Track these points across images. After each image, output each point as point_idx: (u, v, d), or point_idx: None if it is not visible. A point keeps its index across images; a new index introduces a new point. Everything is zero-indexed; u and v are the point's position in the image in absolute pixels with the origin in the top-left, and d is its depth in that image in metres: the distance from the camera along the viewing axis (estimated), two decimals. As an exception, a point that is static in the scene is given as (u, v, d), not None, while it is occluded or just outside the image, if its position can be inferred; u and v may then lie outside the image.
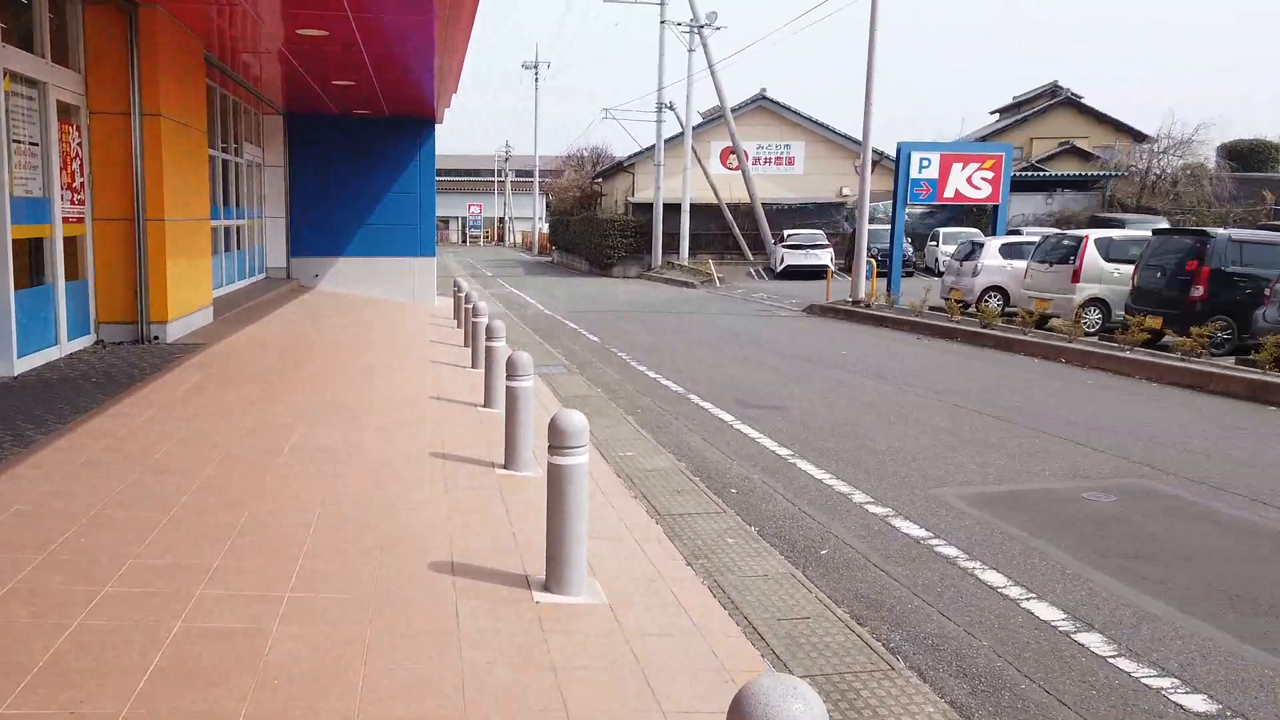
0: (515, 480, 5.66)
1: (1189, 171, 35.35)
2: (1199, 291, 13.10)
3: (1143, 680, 3.57)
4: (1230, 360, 11.48)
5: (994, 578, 4.64)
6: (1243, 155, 39.58)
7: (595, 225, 37.88)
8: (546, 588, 3.96)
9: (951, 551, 5.01)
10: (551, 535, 3.96)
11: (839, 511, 5.75)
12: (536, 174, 62.69)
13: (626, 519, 5.15)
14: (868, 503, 5.91)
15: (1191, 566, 4.82)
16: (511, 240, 76.09)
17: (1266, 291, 11.92)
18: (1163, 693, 3.48)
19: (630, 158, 38.92)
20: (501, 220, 79.85)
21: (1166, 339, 12.69)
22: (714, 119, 36.10)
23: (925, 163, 19.88)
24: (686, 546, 4.82)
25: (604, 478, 5.96)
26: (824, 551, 5.03)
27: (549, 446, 3.95)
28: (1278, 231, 18.38)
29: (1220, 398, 10.07)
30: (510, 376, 5.96)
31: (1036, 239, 18.13)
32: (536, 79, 62.15)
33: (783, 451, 7.28)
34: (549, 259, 51.68)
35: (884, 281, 20.51)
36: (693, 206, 34.44)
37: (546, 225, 59.77)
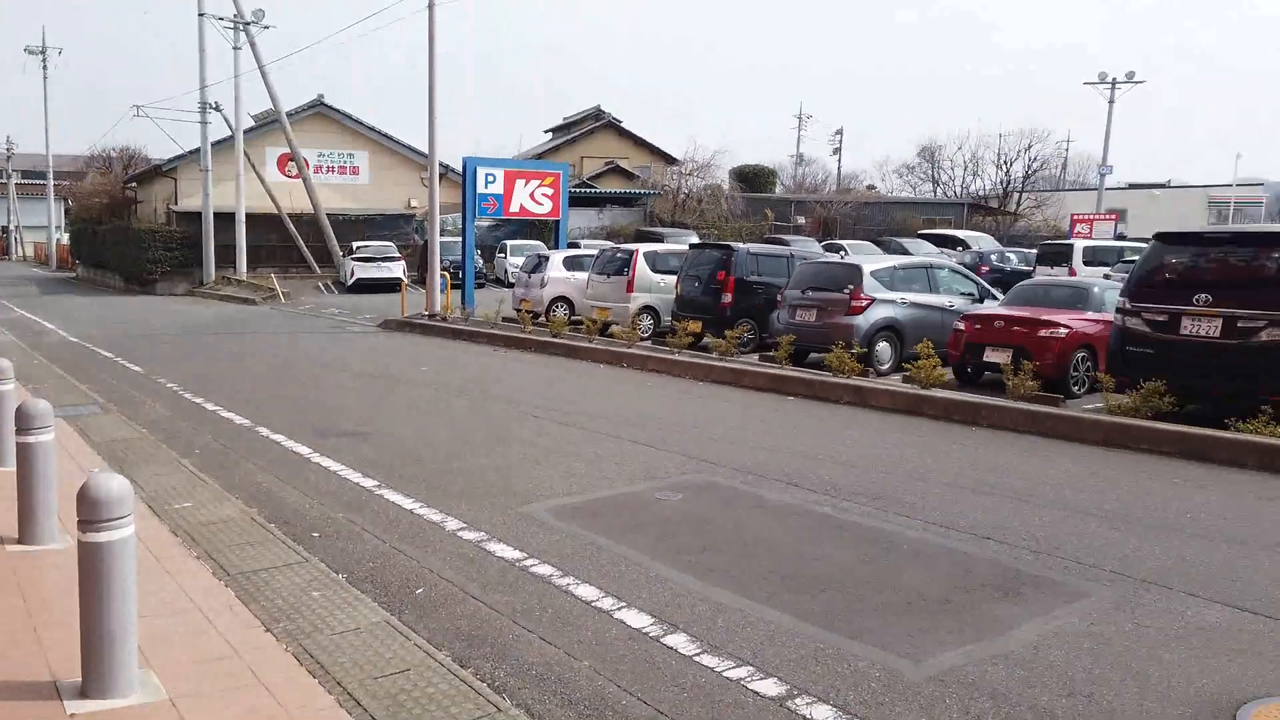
0: (35, 558, 4.66)
1: (710, 191, 40.75)
2: (728, 299, 15.03)
3: (724, 674, 3.87)
4: (755, 357, 13.26)
5: (587, 591, 4.77)
6: (749, 178, 46.78)
7: (131, 236, 33.28)
8: (84, 693, 3.27)
9: (546, 570, 5.07)
10: (88, 628, 3.28)
11: (432, 542, 5.55)
12: (51, 176, 53.48)
13: (188, 587, 4.47)
14: (461, 529, 5.79)
15: (750, 553, 5.39)
16: (20, 253, 64.34)
17: (779, 297, 13.98)
18: (741, 683, 3.80)
19: (171, 161, 34.74)
20: (5, 230, 67.11)
21: (706, 341, 14.29)
22: (269, 123, 33.61)
23: (490, 178, 20.36)
24: (265, 609, 4.29)
25: (156, 539, 5.13)
26: (419, 590, 4.81)
27: (79, 521, 3.27)
28: (782, 245, 21.89)
29: (752, 391, 11.58)
30: (22, 429, 4.90)
31: (595, 252, 19.50)
32: (45, 66, 53.03)
33: (368, 482, 6.89)
34: (73, 275, 44.52)
35: (459, 294, 20.66)
36: (250, 216, 31.77)
37: (67, 236, 51.34)
